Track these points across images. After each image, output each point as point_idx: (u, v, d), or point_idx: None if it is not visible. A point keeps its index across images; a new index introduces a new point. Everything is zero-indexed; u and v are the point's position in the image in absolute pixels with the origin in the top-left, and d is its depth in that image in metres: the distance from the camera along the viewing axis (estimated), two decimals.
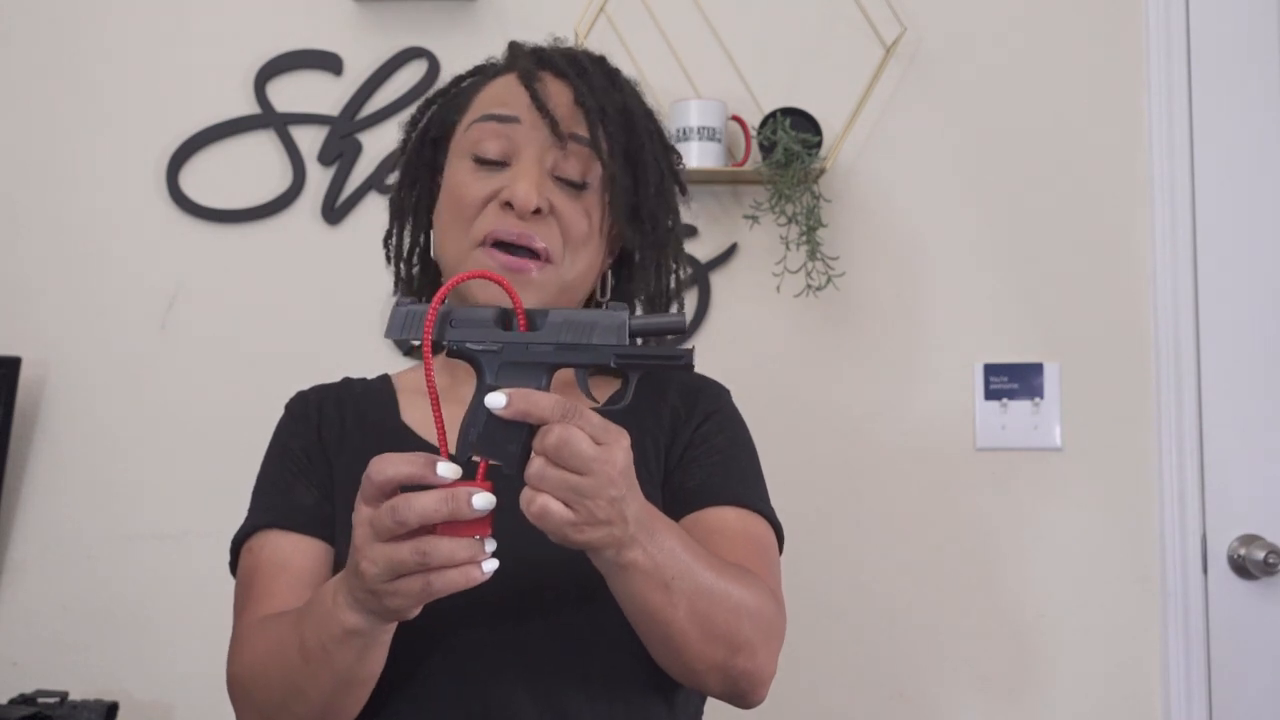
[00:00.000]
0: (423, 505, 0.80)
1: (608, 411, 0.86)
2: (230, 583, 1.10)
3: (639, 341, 0.88)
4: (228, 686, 1.01)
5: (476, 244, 1.05)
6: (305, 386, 1.19)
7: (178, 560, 1.88)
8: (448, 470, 0.81)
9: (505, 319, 0.88)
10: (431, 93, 1.18)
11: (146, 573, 1.89)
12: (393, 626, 0.90)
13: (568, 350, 0.86)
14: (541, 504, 0.81)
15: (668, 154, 1.15)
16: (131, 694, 1.84)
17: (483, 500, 0.80)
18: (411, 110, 1.20)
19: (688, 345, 0.89)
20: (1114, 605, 1.91)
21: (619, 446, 0.82)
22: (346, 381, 1.18)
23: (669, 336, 0.98)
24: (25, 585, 1.89)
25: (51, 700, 1.70)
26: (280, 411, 1.16)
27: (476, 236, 1.05)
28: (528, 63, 1.10)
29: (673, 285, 1.18)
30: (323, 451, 1.10)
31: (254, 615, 1.02)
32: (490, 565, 0.82)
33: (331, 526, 1.06)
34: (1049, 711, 1.89)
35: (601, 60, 1.15)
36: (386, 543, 0.81)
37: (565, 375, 0.91)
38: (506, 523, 0.83)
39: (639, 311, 1.18)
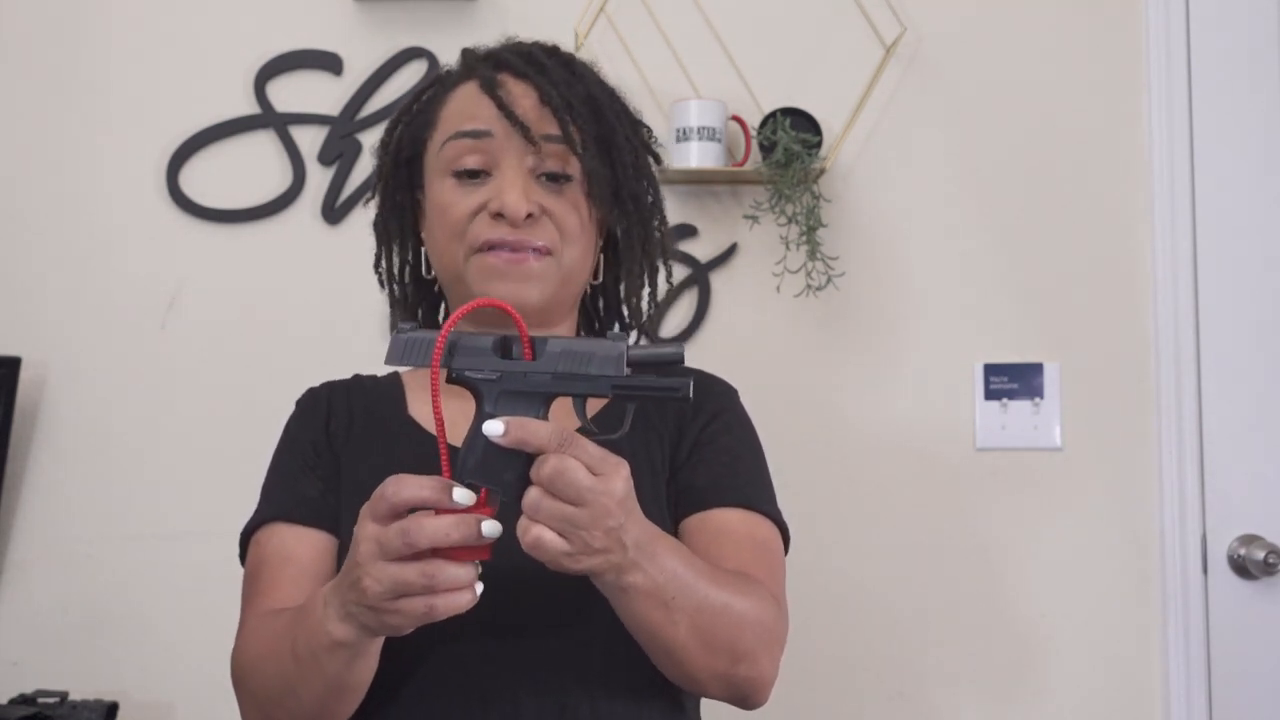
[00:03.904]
0: (435, 529, 0.81)
1: (606, 441, 0.87)
2: (231, 582, 1.10)
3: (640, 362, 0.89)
4: (231, 676, 1.03)
5: (473, 251, 1.06)
6: (304, 386, 1.19)
7: (178, 560, 1.88)
8: (463, 496, 0.82)
9: (504, 346, 0.88)
10: (395, 112, 1.18)
11: (146, 573, 1.89)
12: (381, 638, 0.91)
13: (565, 380, 0.86)
14: (535, 534, 0.82)
15: (637, 130, 1.16)
16: (131, 694, 1.84)
17: (491, 528, 0.82)
18: (380, 134, 1.20)
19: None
20: (1114, 605, 1.91)
21: (617, 476, 0.83)
22: (357, 378, 1.20)
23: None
24: (25, 585, 1.89)
25: (51, 700, 1.70)
26: (282, 410, 1.17)
27: (472, 244, 1.06)
28: (485, 69, 1.10)
29: (659, 259, 1.18)
30: (330, 445, 1.11)
31: (259, 607, 1.03)
32: (478, 587, 0.84)
33: (337, 519, 1.07)
34: (1048, 711, 1.89)
35: (555, 51, 1.15)
36: (392, 562, 0.81)
37: (567, 400, 0.91)
38: (507, 525, 0.83)
39: (628, 301, 1.19)
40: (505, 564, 0.86)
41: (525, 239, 1.05)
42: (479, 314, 1.08)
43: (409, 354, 0.88)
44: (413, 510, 0.83)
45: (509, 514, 0.84)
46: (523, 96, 1.08)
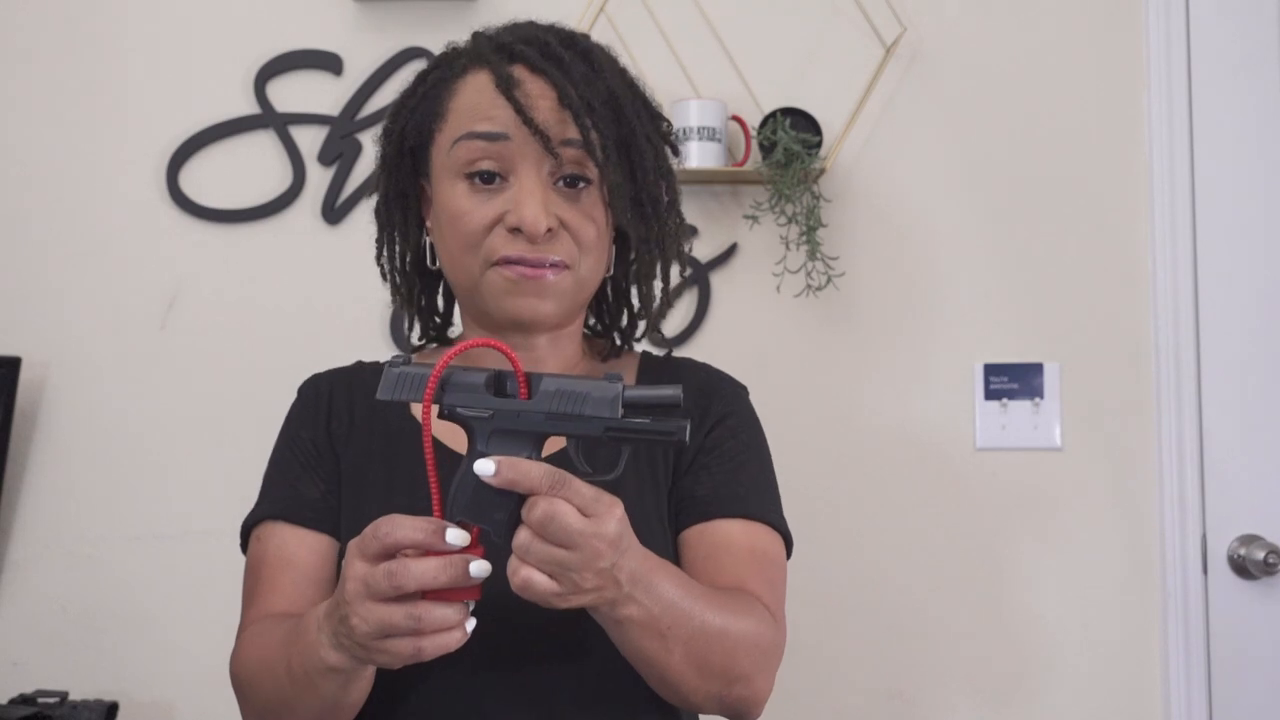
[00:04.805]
0: (422, 572, 0.80)
1: (600, 481, 0.85)
2: (231, 582, 1.10)
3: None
4: (231, 682, 1.03)
5: (489, 264, 1.03)
6: (308, 380, 1.18)
7: (178, 560, 1.88)
8: (456, 538, 0.81)
9: (497, 382, 0.87)
10: (399, 98, 1.12)
11: (146, 573, 1.89)
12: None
13: (558, 420, 0.85)
14: (525, 576, 0.82)
15: (658, 125, 1.11)
16: (131, 694, 1.84)
17: (479, 568, 0.81)
18: (384, 121, 1.14)
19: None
20: (1114, 605, 1.91)
21: (610, 517, 0.82)
22: (359, 366, 1.17)
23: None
24: (25, 585, 1.89)
25: (51, 700, 1.70)
26: (281, 410, 1.16)
27: (489, 258, 1.03)
28: (499, 62, 1.04)
29: (673, 256, 1.14)
30: (331, 445, 1.10)
31: (259, 610, 1.03)
32: (470, 624, 0.83)
33: (337, 520, 1.07)
34: (1048, 711, 1.89)
35: (572, 40, 1.08)
36: (380, 603, 0.81)
37: None
38: (499, 561, 0.83)
39: (635, 299, 1.18)
40: (500, 589, 0.85)
41: (543, 255, 1.02)
42: (480, 323, 1.07)
43: (400, 389, 0.87)
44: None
45: (501, 549, 0.83)
46: (540, 97, 1.02)
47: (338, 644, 0.86)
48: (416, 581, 0.80)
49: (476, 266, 1.04)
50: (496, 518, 0.83)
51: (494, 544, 0.83)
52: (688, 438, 0.84)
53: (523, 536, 0.81)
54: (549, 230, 1.02)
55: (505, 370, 0.87)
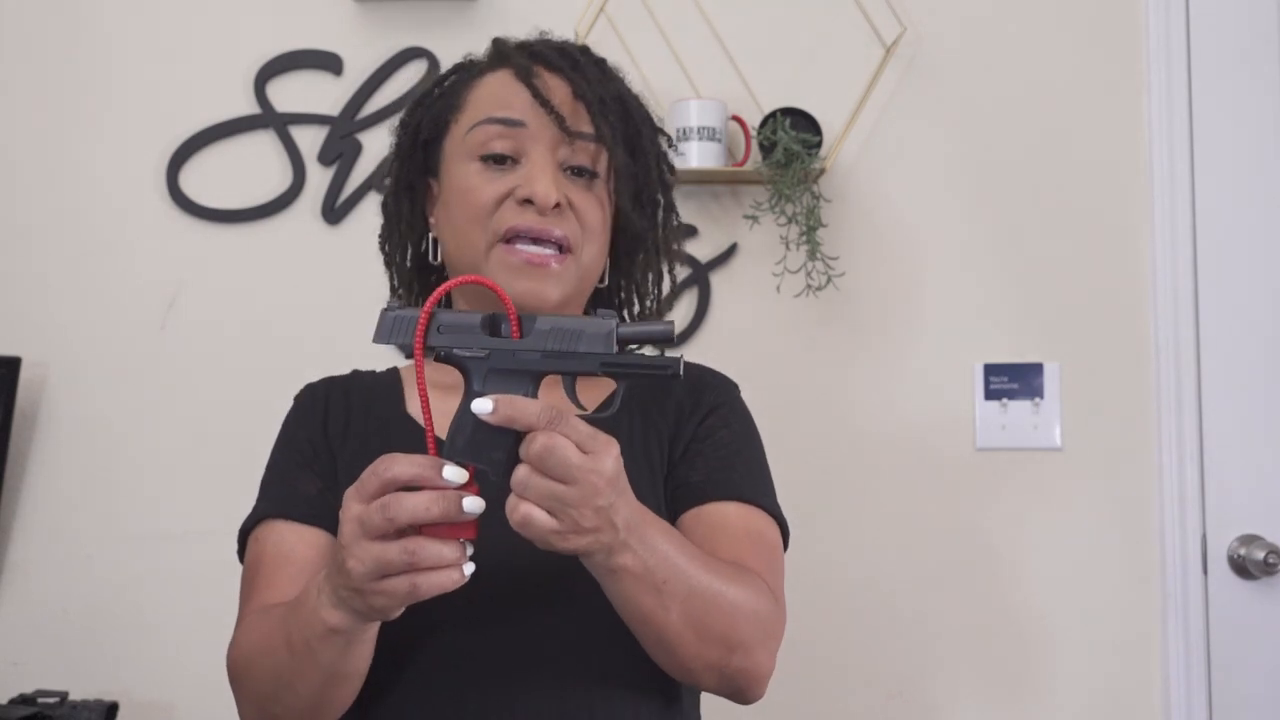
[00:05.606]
0: (414, 505, 0.80)
1: (597, 419, 0.86)
2: (231, 581, 1.10)
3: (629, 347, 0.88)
4: (227, 673, 1.03)
5: (497, 239, 1.06)
6: (304, 386, 1.19)
7: (178, 560, 1.88)
8: (454, 474, 0.81)
9: (492, 324, 0.88)
10: (419, 94, 1.17)
11: (146, 573, 1.89)
12: (376, 625, 0.91)
13: (554, 358, 0.85)
14: (524, 512, 0.82)
15: (658, 136, 1.17)
16: (131, 694, 1.84)
17: (473, 503, 0.81)
18: (401, 114, 1.19)
19: (678, 354, 0.87)
20: (1114, 605, 1.91)
21: (607, 455, 0.83)
22: (355, 374, 1.19)
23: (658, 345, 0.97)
24: (25, 585, 1.89)
25: (51, 700, 1.70)
26: (281, 410, 1.16)
27: (497, 232, 1.06)
28: (521, 59, 1.10)
29: (664, 263, 1.19)
30: (327, 444, 1.11)
31: (256, 605, 1.03)
32: (469, 568, 0.83)
33: (334, 517, 1.07)
34: (1048, 711, 1.89)
35: (586, 50, 1.15)
36: (374, 541, 0.81)
37: (558, 387, 0.91)
38: (501, 520, 0.83)
39: (635, 304, 1.20)
40: (500, 557, 0.86)
41: (549, 228, 1.05)
42: (476, 294, 1.09)
43: (395, 332, 0.88)
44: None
45: (498, 496, 0.83)
46: (557, 89, 1.08)
47: (337, 600, 0.86)
48: (409, 514, 0.80)
49: (483, 243, 1.06)
50: (495, 457, 0.83)
51: (492, 490, 0.83)
52: (682, 371, 0.85)
53: (521, 472, 0.82)
54: (557, 205, 1.05)
55: (499, 312, 0.88)
